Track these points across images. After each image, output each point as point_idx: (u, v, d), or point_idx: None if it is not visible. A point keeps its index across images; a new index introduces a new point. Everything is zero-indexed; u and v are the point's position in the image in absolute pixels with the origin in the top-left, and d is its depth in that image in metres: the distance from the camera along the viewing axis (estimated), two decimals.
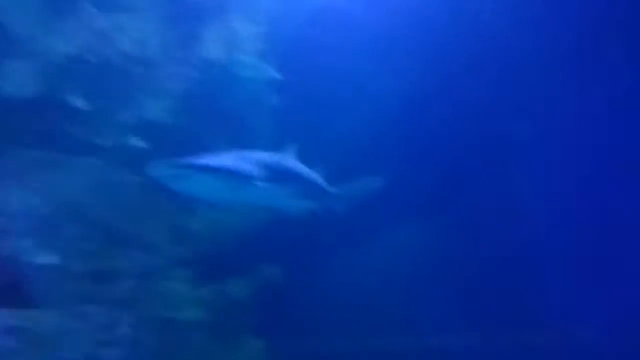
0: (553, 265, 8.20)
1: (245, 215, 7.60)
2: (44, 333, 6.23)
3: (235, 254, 8.09)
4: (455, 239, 8.64)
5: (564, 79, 8.29)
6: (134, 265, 6.92)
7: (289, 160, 7.02)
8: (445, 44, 8.31)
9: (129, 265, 6.89)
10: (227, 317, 7.73)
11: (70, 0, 6.76)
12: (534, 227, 8.41)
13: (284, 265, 8.31)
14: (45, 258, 6.38)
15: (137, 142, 7.01)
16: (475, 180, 8.57)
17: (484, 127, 8.48)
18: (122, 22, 7.00)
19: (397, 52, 8.38)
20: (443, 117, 8.43)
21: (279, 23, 8.15)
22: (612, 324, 8.09)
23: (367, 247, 8.71)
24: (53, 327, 6.26)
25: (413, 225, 8.73)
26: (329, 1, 8.45)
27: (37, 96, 6.56)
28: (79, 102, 6.72)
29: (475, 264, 8.54)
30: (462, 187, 8.61)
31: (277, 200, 6.69)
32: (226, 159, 6.29)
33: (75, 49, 6.68)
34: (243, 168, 6.27)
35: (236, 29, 7.74)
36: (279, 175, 6.52)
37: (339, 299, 8.52)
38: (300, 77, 8.27)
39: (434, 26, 8.30)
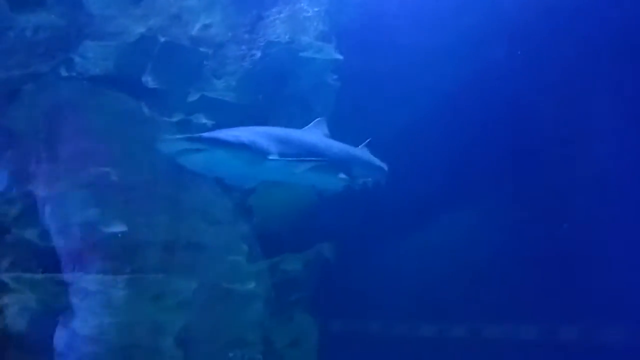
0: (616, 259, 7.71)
1: (303, 193, 7.68)
2: (114, 297, 6.53)
3: (291, 231, 8.28)
4: (513, 223, 8.35)
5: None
6: (198, 237, 7.13)
7: (314, 135, 6.75)
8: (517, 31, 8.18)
9: (192, 237, 7.09)
10: (280, 292, 7.92)
11: None
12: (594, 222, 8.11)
13: (338, 243, 8.48)
14: (117, 227, 6.64)
15: (201, 119, 7.15)
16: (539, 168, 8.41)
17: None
18: (192, 4, 7.21)
19: (460, 36, 8.26)
20: (505, 105, 8.26)
21: (340, 4, 8.24)
22: None
23: (423, 227, 8.62)
24: (122, 292, 6.55)
25: (473, 209, 8.52)
26: None
27: (111, 73, 6.81)
28: (149, 80, 6.95)
29: (536, 250, 8.16)
30: (523, 172, 8.46)
31: (296, 176, 6.33)
32: (241, 134, 5.97)
33: (147, 30, 6.91)
34: (257, 142, 5.96)
35: (299, 11, 7.81)
36: (298, 150, 6.23)
37: (392, 278, 8.51)
38: (361, 57, 8.39)
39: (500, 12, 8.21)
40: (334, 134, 7.26)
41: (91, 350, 6.42)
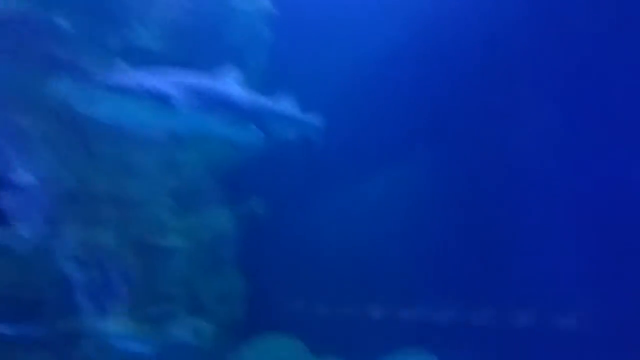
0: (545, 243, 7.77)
1: (234, 148, 7.54)
2: (25, 250, 6.30)
3: (221, 186, 8.17)
4: (452, 183, 8.38)
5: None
6: (120, 190, 6.96)
7: (228, 86, 6.37)
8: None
9: (114, 190, 6.91)
10: (208, 247, 7.86)
11: None
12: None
13: (269, 200, 8.38)
14: (28, 178, 6.39)
15: (123, 67, 6.90)
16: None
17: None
18: None
19: None
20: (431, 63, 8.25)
21: None
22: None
23: (357, 185, 8.61)
24: (32, 245, 6.33)
25: (408, 167, 8.51)
26: None
27: (21, 14, 6.44)
28: (66, 23, 6.59)
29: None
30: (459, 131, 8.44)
31: (207, 127, 6.07)
32: (148, 81, 5.60)
33: None
34: (163, 90, 5.62)
35: None
36: (209, 101, 5.93)
37: (324, 236, 8.52)
38: (295, 12, 8.18)
39: None
40: (267, 88, 7.08)
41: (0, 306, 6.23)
